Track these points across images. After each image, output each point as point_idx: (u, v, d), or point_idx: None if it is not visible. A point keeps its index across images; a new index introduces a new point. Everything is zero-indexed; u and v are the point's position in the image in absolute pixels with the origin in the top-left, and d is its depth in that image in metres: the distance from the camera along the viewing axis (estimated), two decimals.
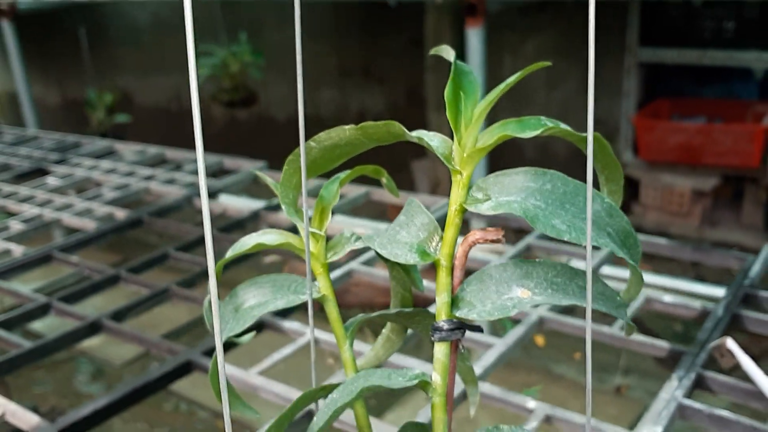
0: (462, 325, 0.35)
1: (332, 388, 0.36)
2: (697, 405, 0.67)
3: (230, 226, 1.21)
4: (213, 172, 1.51)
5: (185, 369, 0.81)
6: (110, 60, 4.07)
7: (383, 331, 0.44)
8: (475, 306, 0.34)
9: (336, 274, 0.98)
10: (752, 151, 2.60)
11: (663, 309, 0.88)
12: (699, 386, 0.72)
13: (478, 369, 0.74)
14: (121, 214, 1.29)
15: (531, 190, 0.33)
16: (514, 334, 0.81)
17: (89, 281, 1.04)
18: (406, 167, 2.83)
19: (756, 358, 0.81)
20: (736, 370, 0.75)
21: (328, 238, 0.40)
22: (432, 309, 0.41)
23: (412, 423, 0.38)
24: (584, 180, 0.32)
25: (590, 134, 0.29)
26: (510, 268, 0.35)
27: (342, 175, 0.41)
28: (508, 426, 0.34)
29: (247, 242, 0.39)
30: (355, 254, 1.00)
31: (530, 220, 0.32)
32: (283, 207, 0.39)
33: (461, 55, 2.14)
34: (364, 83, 3.30)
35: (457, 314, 0.35)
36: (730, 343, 0.74)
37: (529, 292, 0.34)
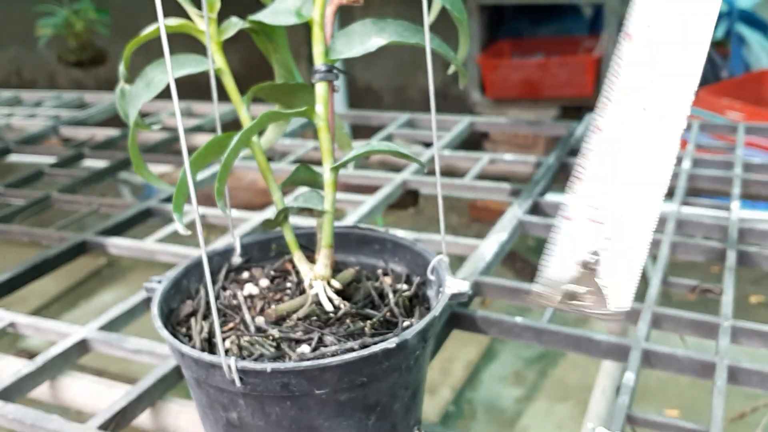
0: (335, 68, 0.44)
1: (235, 133, 0.44)
2: (534, 219, 0.80)
3: (101, 145, 1.24)
4: (75, 106, 1.52)
5: (80, 249, 0.85)
6: None
7: None
8: (343, 52, 0.44)
9: (215, 169, 1.04)
10: (586, 81, 2.86)
11: (505, 167, 1.02)
12: (535, 211, 0.85)
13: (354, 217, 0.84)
14: None
15: None
16: (383, 193, 0.92)
17: None
18: None
19: None
20: None
21: None
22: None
23: (304, 166, 0.47)
24: None
25: None
26: (369, 25, 0.45)
27: None
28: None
29: (150, 27, 0.46)
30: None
31: None
32: None
33: None
34: None
35: (332, 58, 0.44)
36: None
37: (384, 40, 0.44)
